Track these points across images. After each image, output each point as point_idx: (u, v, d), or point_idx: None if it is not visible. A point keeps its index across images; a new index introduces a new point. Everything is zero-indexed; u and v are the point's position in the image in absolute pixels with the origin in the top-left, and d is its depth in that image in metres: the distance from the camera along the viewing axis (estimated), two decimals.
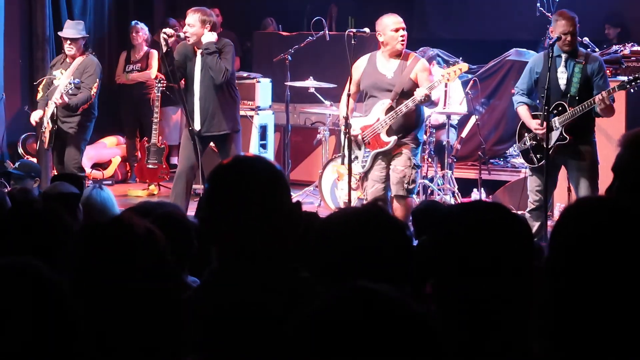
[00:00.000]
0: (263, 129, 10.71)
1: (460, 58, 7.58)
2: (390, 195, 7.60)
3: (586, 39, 9.81)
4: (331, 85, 10.10)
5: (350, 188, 8.53)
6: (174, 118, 12.17)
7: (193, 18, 8.01)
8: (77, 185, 5.58)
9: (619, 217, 1.92)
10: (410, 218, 5.74)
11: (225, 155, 8.06)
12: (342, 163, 9.08)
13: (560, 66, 7.22)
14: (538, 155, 7.38)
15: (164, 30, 7.96)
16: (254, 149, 10.38)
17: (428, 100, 7.35)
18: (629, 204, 1.96)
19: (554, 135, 7.22)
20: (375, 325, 1.46)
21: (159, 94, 10.95)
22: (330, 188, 9.47)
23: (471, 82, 9.76)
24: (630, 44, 8.92)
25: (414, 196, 8.44)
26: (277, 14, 13.54)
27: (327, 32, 9.91)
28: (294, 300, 2.13)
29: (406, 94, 7.39)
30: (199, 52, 8.07)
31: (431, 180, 9.55)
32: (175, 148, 12.26)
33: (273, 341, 1.96)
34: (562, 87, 7.21)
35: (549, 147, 7.13)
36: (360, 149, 7.67)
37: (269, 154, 10.57)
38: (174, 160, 12.37)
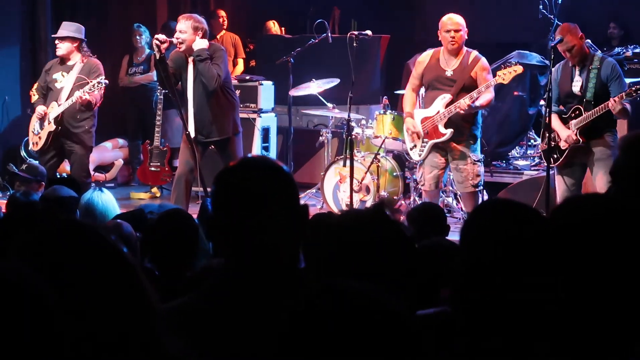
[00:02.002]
0: (265, 132, 10.71)
1: (516, 61, 7.80)
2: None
3: (588, 41, 9.80)
4: (334, 81, 10.03)
5: (352, 190, 8.54)
6: (176, 121, 12.14)
7: (185, 25, 7.98)
8: (75, 188, 5.58)
9: (609, 213, 1.92)
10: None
11: (227, 159, 8.06)
12: (344, 165, 9.10)
13: (575, 75, 7.47)
14: (555, 155, 7.57)
15: (156, 36, 7.98)
16: (256, 151, 10.38)
17: (473, 110, 7.73)
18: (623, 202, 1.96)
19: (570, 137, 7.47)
20: (345, 321, 1.47)
21: (162, 97, 10.97)
22: (332, 190, 9.46)
23: None
24: (632, 46, 8.92)
25: (417, 199, 8.45)
26: (280, 16, 13.54)
27: (329, 34, 9.91)
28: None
29: (467, 90, 7.72)
30: (190, 59, 8.03)
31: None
32: (177, 151, 12.26)
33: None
34: (578, 93, 7.44)
35: (565, 148, 7.45)
36: (419, 138, 7.98)
37: (272, 157, 10.56)
38: (177, 162, 12.38)
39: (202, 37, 7.98)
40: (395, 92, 10.74)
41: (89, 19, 11.91)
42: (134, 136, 11.79)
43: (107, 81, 8.77)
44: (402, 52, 12.37)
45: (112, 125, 11.75)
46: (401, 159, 9.77)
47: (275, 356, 1.51)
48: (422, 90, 8.25)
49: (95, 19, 12.23)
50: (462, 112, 7.63)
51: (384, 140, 9.20)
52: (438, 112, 7.83)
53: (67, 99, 8.77)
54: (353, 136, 8.71)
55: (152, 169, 10.99)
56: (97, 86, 8.68)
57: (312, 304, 1.52)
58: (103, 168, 11.74)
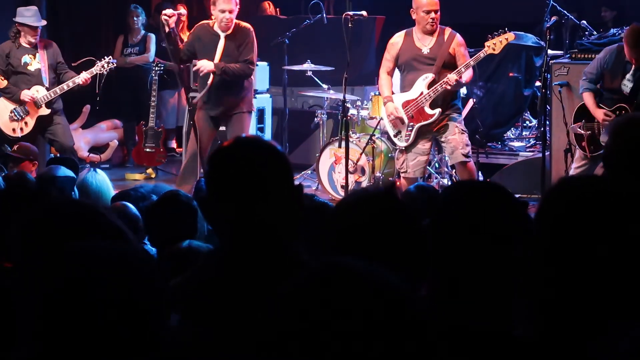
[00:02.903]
0: (260, 113, 10.68)
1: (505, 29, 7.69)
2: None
3: (584, 22, 9.80)
4: (329, 69, 10.08)
5: (347, 171, 8.54)
6: (171, 102, 12.15)
7: (230, 4, 7.98)
8: (73, 168, 5.57)
9: (601, 194, 1.92)
10: None
11: (235, 134, 8.06)
12: (340, 146, 9.10)
13: (629, 73, 7.35)
14: (592, 147, 7.56)
15: (164, 11, 8.01)
16: (251, 132, 10.36)
17: (460, 87, 7.75)
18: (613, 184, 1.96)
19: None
20: (348, 299, 1.46)
21: (156, 78, 10.96)
22: (327, 171, 9.46)
23: None
24: (628, 27, 8.88)
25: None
26: None
27: (324, 15, 9.88)
28: None
29: (447, 66, 7.62)
30: (222, 34, 8.04)
31: (429, 163, 9.53)
32: (172, 132, 12.25)
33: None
34: (626, 92, 7.35)
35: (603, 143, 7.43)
36: (403, 123, 7.82)
37: (267, 138, 10.56)
38: (171, 143, 12.37)
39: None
40: None
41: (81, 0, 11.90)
42: (129, 117, 11.77)
43: (115, 60, 9.15)
44: (397, 33, 12.35)
45: (106, 106, 11.72)
46: None
47: (269, 334, 1.51)
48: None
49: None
50: (449, 87, 7.53)
51: (379, 121, 9.19)
52: (422, 93, 7.68)
53: (49, 81, 8.91)
54: (348, 117, 8.69)
55: (147, 150, 10.98)
56: (107, 66, 8.98)
57: (309, 283, 1.51)
58: (98, 149, 11.71)
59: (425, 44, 7.70)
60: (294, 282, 1.52)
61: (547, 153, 7.88)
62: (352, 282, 1.49)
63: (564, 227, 1.88)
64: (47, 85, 8.91)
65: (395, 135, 7.94)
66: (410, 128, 7.79)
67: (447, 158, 8.72)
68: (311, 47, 10.97)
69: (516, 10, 11.82)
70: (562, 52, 9.86)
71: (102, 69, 8.97)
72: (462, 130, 7.75)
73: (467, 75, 7.64)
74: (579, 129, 7.65)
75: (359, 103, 9.84)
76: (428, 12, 7.63)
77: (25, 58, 8.97)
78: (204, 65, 7.94)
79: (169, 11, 7.98)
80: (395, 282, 1.52)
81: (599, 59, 7.55)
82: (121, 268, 1.70)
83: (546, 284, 1.89)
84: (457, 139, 7.69)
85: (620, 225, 1.86)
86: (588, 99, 7.57)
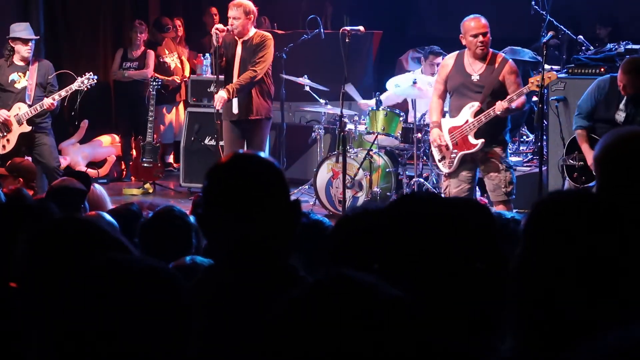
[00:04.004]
0: None
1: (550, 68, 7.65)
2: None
3: (581, 37, 9.83)
4: (325, 89, 10.09)
5: (345, 186, 8.55)
6: (168, 117, 12.16)
7: (237, 11, 8.59)
8: (84, 182, 5.55)
9: (591, 208, 1.92)
10: None
11: (254, 140, 8.69)
12: (337, 161, 9.10)
13: (621, 104, 7.28)
14: (583, 177, 7.55)
15: (216, 26, 8.64)
16: (265, 141, 10.37)
17: (509, 113, 7.43)
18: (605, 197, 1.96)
19: None
20: (351, 310, 1.47)
21: (154, 93, 10.98)
22: (325, 186, 9.47)
23: None
24: (624, 43, 8.92)
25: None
26: (272, 12, 13.52)
27: (322, 30, 9.90)
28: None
29: (496, 95, 7.37)
30: (240, 41, 8.62)
31: (426, 178, 9.55)
32: (170, 146, 12.26)
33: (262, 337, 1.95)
34: (620, 122, 7.25)
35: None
36: (447, 150, 7.63)
37: (264, 153, 10.56)
38: (169, 158, 12.38)
39: (252, 21, 8.65)
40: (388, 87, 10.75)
41: (79, 13, 11.91)
42: (127, 132, 11.78)
43: (96, 77, 9.03)
44: (395, 48, 12.40)
45: (104, 121, 11.74)
46: (394, 155, 9.76)
47: (265, 347, 1.51)
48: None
49: (86, 13, 12.20)
50: (498, 114, 7.27)
51: (376, 136, 9.21)
52: (467, 121, 7.47)
53: (33, 99, 8.85)
54: (345, 132, 8.70)
55: (145, 164, 10.99)
56: (87, 82, 8.89)
57: (313, 294, 1.51)
58: (96, 164, 11.71)
59: (475, 70, 7.47)
60: (299, 293, 1.53)
61: (544, 168, 7.87)
62: (357, 292, 1.50)
63: (550, 241, 1.89)
64: (29, 102, 8.86)
65: (439, 160, 7.72)
66: (454, 155, 7.58)
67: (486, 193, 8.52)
68: (308, 62, 10.98)
69: (513, 25, 11.85)
70: (559, 67, 9.88)
71: (81, 84, 8.88)
72: (508, 167, 7.54)
73: (518, 101, 7.39)
74: (571, 160, 7.65)
75: (356, 118, 9.85)
76: (476, 36, 7.38)
77: (14, 76, 8.97)
78: (218, 98, 8.53)
79: (220, 26, 8.57)
80: (398, 293, 1.53)
81: (591, 91, 7.46)
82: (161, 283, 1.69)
83: (534, 298, 1.89)
84: (500, 177, 7.47)
85: (607, 239, 1.86)
86: (581, 139, 7.52)
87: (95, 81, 8.97)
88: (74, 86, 8.89)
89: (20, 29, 9.01)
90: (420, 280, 2.00)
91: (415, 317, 1.52)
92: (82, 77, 8.95)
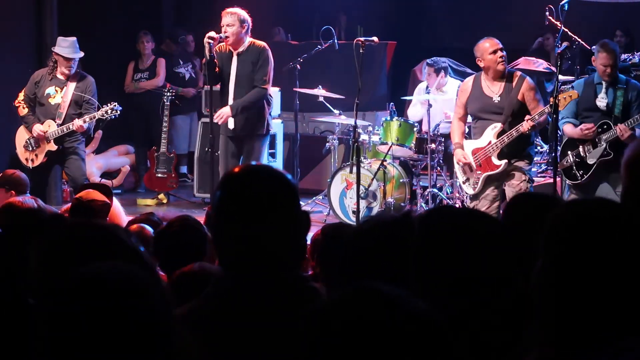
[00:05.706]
0: (272, 138, 10.69)
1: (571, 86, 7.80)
2: None
3: (594, 47, 9.79)
4: (340, 97, 10.09)
5: (359, 197, 8.54)
6: (182, 127, 12.20)
7: (232, 18, 8.28)
8: (105, 194, 5.55)
9: (606, 217, 1.91)
10: None
11: (249, 155, 8.37)
12: (351, 172, 9.10)
13: (600, 92, 7.54)
14: (581, 172, 7.63)
15: (208, 34, 8.18)
16: (263, 158, 10.38)
17: (535, 130, 7.52)
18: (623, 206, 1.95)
19: (598, 151, 7.54)
20: (378, 323, 1.48)
21: (168, 103, 11.01)
22: (339, 197, 9.47)
23: None
24: (638, 53, 8.90)
25: (424, 205, 8.42)
26: (286, 23, 13.56)
27: (336, 41, 9.91)
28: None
29: (517, 115, 7.43)
30: (235, 52, 8.34)
31: (440, 189, 9.54)
32: (184, 157, 12.29)
33: (281, 351, 1.96)
34: (603, 107, 7.51)
35: (593, 163, 7.55)
36: (472, 170, 7.65)
37: (278, 163, 10.58)
38: (183, 169, 12.41)
39: (247, 31, 8.32)
40: (402, 98, 10.76)
41: (93, 25, 11.94)
42: (141, 142, 11.82)
43: (120, 107, 8.72)
44: (409, 58, 12.39)
45: (118, 132, 11.77)
46: (408, 165, 9.76)
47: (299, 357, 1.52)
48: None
49: (100, 25, 12.24)
50: (524, 132, 7.33)
51: (390, 147, 9.21)
52: (490, 142, 7.51)
53: (64, 117, 8.71)
54: (359, 143, 8.70)
55: (159, 175, 11.01)
56: (111, 113, 8.65)
57: (339, 307, 1.52)
58: (110, 174, 11.75)
59: (494, 92, 7.52)
60: (325, 305, 1.53)
61: (558, 178, 7.85)
62: (383, 304, 1.51)
63: (569, 252, 1.88)
64: (59, 121, 8.73)
65: (464, 182, 7.77)
66: (478, 176, 7.62)
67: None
68: (322, 72, 10.99)
69: (528, 35, 11.85)
70: (573, 77, 9.86)
71: (104, 114, 8.65)
72: (530, 179, 7.58)
73: (542, 117, 7.41)
74: (568, 161, 7.69)
75: (370, 128, 9.86)
76: (495, 52, 7.44)
77: (50, 90, 8.82)
78: (222, 113, 8.28)
79: (212, 34, 8.19)
80: (423, 305, 1.53)
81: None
82: (128, 292, 1.69)
83: (555, 306, 1.88)
84: (522, 186, 7.48)
85: (629, 249, 1.85)
86: (568, 128, 7.67)
87: (119, 112, 8.69)
88: (98, 114, 8.65)
89: (65, 45, 8.83)
90: (452, 295, 2.01)
91: (445, 332, 1.52)
92: (106, 105, 8.70)
